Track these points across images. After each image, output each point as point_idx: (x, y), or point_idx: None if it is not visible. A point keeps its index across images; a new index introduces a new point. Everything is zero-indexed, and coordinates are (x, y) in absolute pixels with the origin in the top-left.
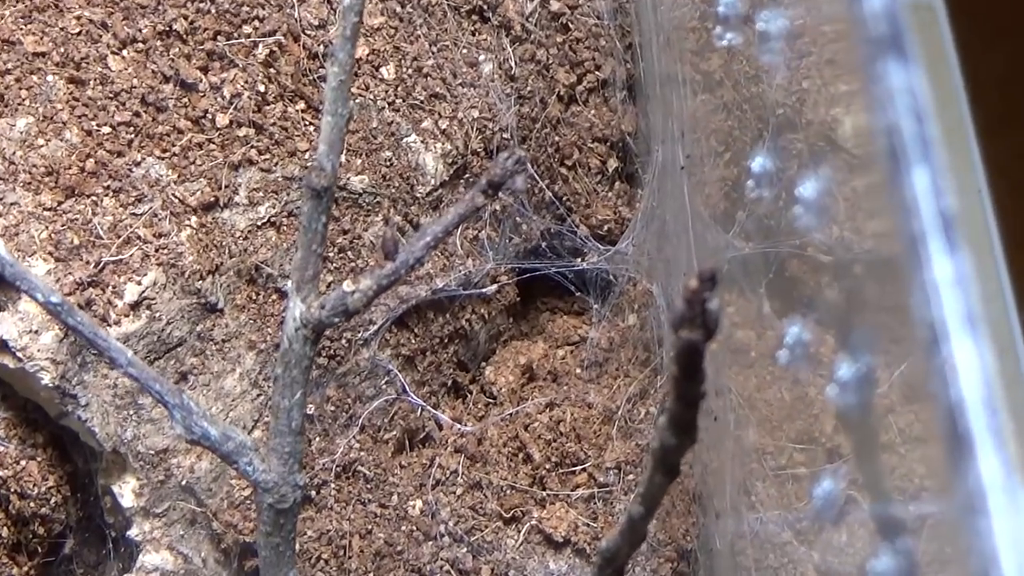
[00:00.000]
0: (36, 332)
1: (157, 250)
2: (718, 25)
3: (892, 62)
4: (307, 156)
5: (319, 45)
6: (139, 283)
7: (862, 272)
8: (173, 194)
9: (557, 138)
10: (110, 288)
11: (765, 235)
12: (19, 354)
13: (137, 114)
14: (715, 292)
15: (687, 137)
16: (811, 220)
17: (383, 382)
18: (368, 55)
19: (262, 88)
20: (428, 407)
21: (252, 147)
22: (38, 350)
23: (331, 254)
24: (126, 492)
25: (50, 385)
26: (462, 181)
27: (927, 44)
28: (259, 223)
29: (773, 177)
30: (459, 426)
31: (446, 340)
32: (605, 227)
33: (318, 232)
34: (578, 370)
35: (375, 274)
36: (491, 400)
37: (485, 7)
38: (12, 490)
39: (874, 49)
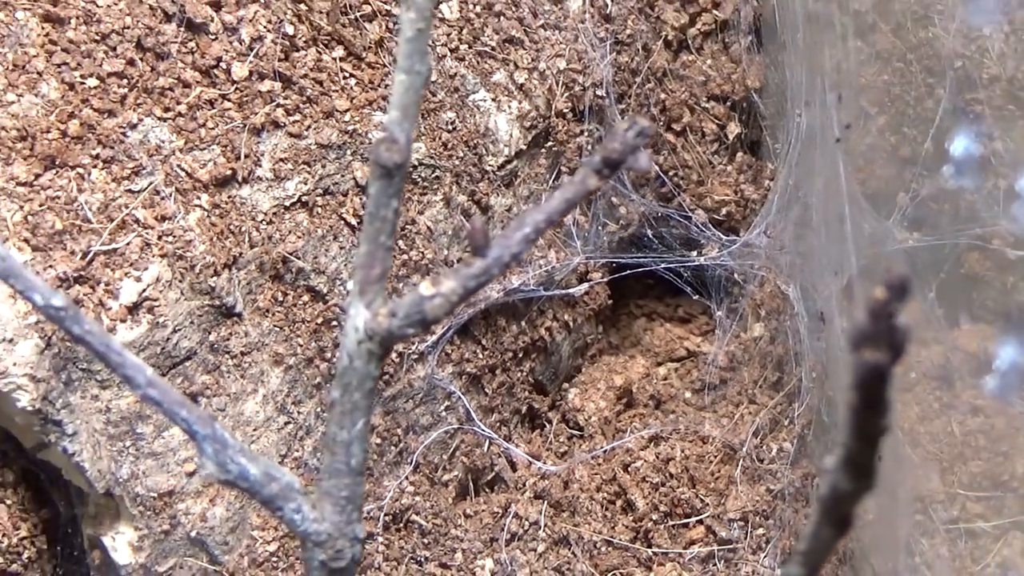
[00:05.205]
0: (11, 341)
1: (160, 237)
2: None
3: None
4: (347, 117)
5: None
6: (138, 279)
7: None
8: (179, 165)
9: (663, 95)
10: (102, 285)
11: (936, 223)
12: None
13: (131, 62)
14: (905, 303)
15: (846, 100)
16: (999, 204)
17: (442, 408)
18: None
19: (290, 29)
20: (499, 439)
21: (278, 106)
22: (14, 364)
23: None
24: (121, 545)
25: (29, 408)
26: (543, 151)
27: None
28: (287, 203)
29: (946, 148)
30: (539, 464)
31: (520, 355)
32: (723, 210)
33: (388, 220)
34: (687, 394)
35: (461, 273)
36: (575, 432)
37: None
38: None
39: None
